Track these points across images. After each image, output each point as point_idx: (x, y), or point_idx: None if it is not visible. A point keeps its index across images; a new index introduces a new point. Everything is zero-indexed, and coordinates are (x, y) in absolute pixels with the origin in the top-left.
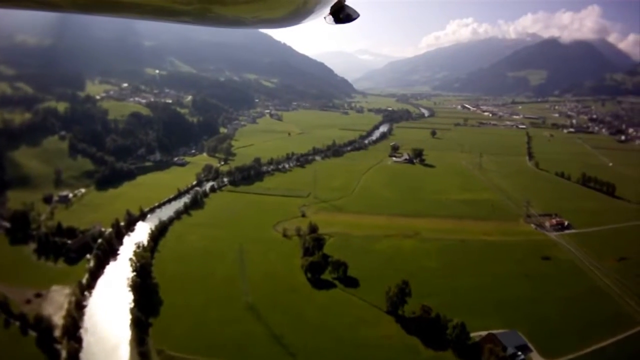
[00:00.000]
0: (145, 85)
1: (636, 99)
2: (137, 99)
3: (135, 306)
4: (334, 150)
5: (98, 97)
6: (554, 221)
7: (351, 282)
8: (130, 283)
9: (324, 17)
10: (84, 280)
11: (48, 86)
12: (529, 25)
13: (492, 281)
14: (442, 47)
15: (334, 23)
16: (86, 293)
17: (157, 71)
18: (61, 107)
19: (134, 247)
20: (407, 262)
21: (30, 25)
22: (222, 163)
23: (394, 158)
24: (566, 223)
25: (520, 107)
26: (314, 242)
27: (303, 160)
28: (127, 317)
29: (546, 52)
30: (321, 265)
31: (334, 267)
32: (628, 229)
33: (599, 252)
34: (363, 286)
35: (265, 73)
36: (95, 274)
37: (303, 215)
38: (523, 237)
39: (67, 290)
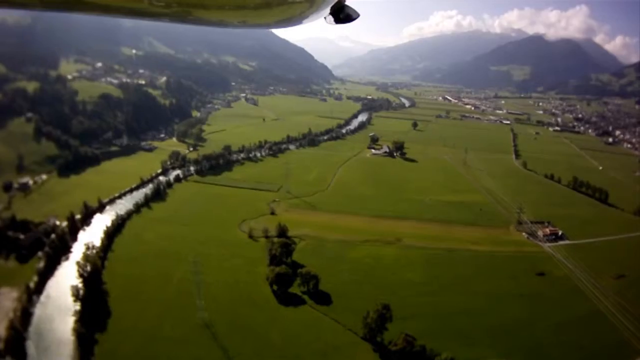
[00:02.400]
0: (119, 65)
1: (622, 101)
2: (109, 79)
3: (79, 319)
4: (310, 139)
5: (70, 77)
6: (547, 230)
7: (323, 298)
8: (75, 292)
9: (324, 17)
10: (32, 284)
11: (21, 65)
12: (514, 21)
13: (482, 301)
14: (425, 37)
15: (334, 23)
16: (35, 297)
17: (133, 51)
18: (31, 87)
19: (83, 248)
20: (387, 275)
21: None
22: (191, 149)
23: (373, 150)
24: (560, 232)
25: (503, 101)
26: (282, 248)
27: (276, 149)
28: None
29: (531, 48)
30: (289, 277)
31: (304, 280)
32: (624, 242)
33: (596, 268)
34: (336, 303)
35: (244, 56)
36: (45, 275)
37: (272, 213)
38: (515, 248)
39: (15, 294)
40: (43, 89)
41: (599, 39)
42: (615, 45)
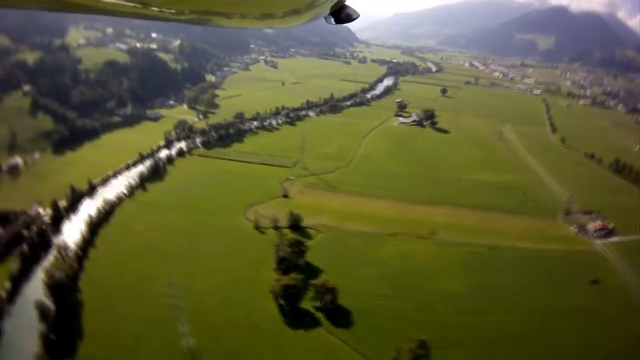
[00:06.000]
0: (131, 30)
1: None
2: (118, 44)
3: (45, 342)
4: (331, 105)
5: (75, 45)
6: (597, 224)
7: (341, 317)
8: (40, 309)
9: (324, 17)
10: (4, 292)
11: (25, 35)
12: None
13: (534, 322)
14: (448, 3)
15: (334, 23)
16: (7, 307)
17: None
18: (31, 58)
19: (53, 252)
20: (421, 284)
21: None
22: (201, 117)
23: (400, 118)
24: (610, 226)
25: (530, 70)
26: (293, 247)
27: (294, 117)
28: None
29: (554, 18)
30: (299, 291)
31: (318, 294)
32: None
33: None
34: (359, 325)
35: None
36: (19, 280)
37: (285, 196)
38: (565, 246)
39: None
40: (44, 60)
41: (621, 14)
42: (637, 21)
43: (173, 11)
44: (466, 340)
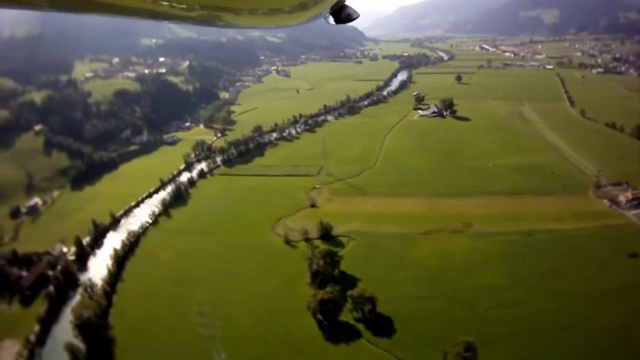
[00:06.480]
0: (138, 58)
1: None
2: (126, 73)
3: None
4: (349, 107)
5: (83, 79)
6: (629, 195)
7: (383, 326)
8: (70, 351)
9: (324, 17)
10: (32, 336)
11: (31, 76)
12: None
13: (578, 306)
14: None
15: (334, 23)
16: (37, 350)
17: (153, 40)
18: (39, 97)
19: (80, 290)
20: (461, 280)
21: (17, 18)
22: (219, 136)
23: (420, 111)
24: None
25: (540, 46)
26: (325, 258)
27: (312, 123)
28: None
29: None
30: (336, 304)
31: (356, 305)
32: None
33: None
34: (401, 332)
35: (270, 29)
36: (48, 321)
37: (313, 205)
38: (599, 222)
39: (17, 347)
40: (52, 97)
41: None
42: None
43: (183, 6)
44: (512, 334)
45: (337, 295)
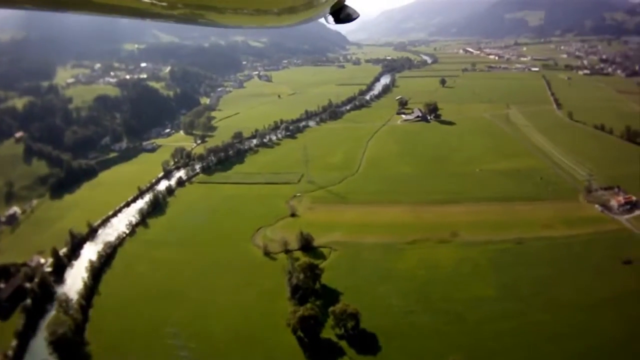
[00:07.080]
0: (119, 63)
1: None
2: (107, 79)
3: None
4: (331, 112)
5: (64, 85)
6: (621, 199)
7: (367, 343)
8: None
9: (324, 17)
10: (10, 351)
11: (14, 82)
12: None
13: (572, 316)
14: None
15: (334, 23)
16: None
17: (135, 46)
18: (20, 104)
19: (56, 305)
20: (450, 293)
21: (1, 23)
22: (199, 142)
23: (403, 116)
24: (634, 199)
25: (524, 48)
26: (306, 272)
27: (294, 129)
28: None
29: None
30: (317, 320)
31: (338, 321)
32: None
33: None
34: (386, 349)
35: (253, 34)
36: (26, 336)
37: (293, 215)
38: (592, 228)
39: None
40: (34, 104)
41: None
42: None
43: (165, 4)
44: (504, 348)
45: (318, 311)
